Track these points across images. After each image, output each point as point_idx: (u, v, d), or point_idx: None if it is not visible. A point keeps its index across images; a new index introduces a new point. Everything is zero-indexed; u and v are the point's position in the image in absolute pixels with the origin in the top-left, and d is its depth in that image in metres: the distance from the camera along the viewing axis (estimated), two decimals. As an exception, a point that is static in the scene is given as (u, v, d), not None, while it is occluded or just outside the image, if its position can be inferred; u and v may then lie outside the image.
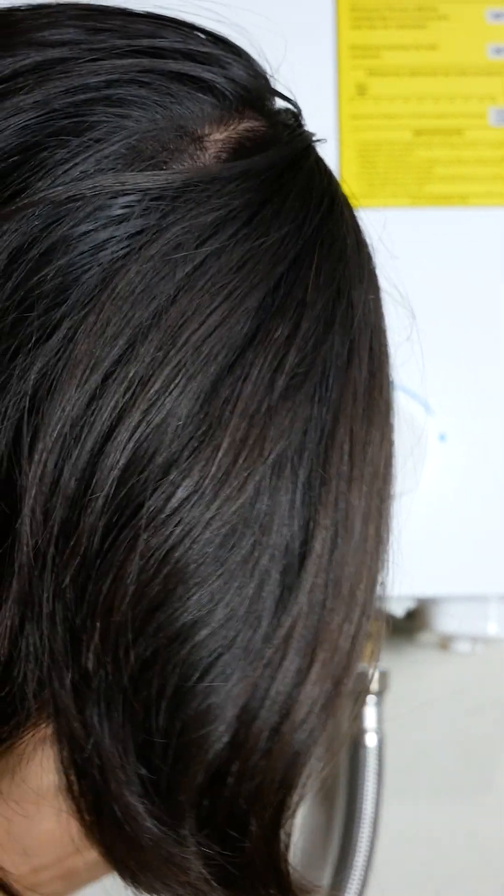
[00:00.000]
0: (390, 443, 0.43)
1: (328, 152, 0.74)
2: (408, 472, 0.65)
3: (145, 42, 0.41)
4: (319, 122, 0.74)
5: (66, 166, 0.37)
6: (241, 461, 0.37)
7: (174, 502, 0.36)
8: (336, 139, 0.74)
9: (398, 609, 0.77)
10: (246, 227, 0.38)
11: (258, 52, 0.44)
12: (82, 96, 0.38)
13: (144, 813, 0.38)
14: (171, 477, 0.36)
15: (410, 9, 0.75)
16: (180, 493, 0.36)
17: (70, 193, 0.36)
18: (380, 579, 0.43)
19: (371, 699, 0.81)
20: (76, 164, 0.37)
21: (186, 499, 0.36)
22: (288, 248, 0.39)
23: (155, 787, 0.38)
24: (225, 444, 0.37)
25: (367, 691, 0.79)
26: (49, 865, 0.47)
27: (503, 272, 0.74)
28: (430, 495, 0.71)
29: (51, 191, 0.36)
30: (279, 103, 0.45)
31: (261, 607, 0.38)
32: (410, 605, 0.77)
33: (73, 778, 0.38)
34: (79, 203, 0.36)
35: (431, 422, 0.71)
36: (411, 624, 0.79)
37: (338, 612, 0.40)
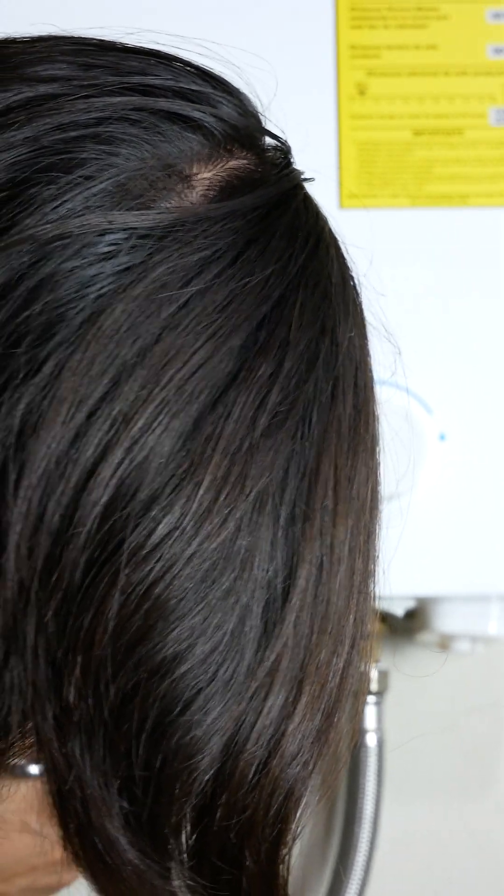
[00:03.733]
0: (376, 477, 0.44)
1: (328, 153, 0.74)
2: (407, 471, 0.65)
3: (136, 79, 0.41)
4: (319, 122, 0.74)
5: (55, 203, 0.38)
6: (222, 498, 0.37)
7: (155, 538, 0.37)
8: (336, 139, 0.74)
9: (398, 609, 0.77)
10: (231, 268, 0.39)
11: (251, 88, 0.45)
12: (72, 133, 0.39)
13: (126, 845, 0.39)
14: (153, 513, 0.37)
15: (410, 8, 0.75)
16: (161, 530, 0.37)
17: (58, 231, 0.37)
18: (368, 613, 0.43)
19: (371, 699, 0.81)
20: (65, 202, 0.38)
21: (167, 535, 0.37)
22: (272, 287, 0.40)
23: (137, 820, 0.39)
24: (206, 482, 0.37)
25: (367, 691, 0.79)
26: (22, 879, 0.48)
27: (503, 272, 0.74)
28: (429, 495, 0.71)
29: (39, 228, 0.37)
30: (270, 139, 0.46)
31: (243, 642, 0.38)
32: (410, 604, 0.77)
33: (56, 808, 0.39)
34: (67, 241, 0.37)
35: (431, 422, 0.71)
36: (411, 624, 0.79)
37: (325, 646, 0.40)
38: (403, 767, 0.84)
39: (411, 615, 0.79)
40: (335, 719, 0.42)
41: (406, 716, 0.84)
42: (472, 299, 0.73)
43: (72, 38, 0.43)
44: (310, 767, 0.41)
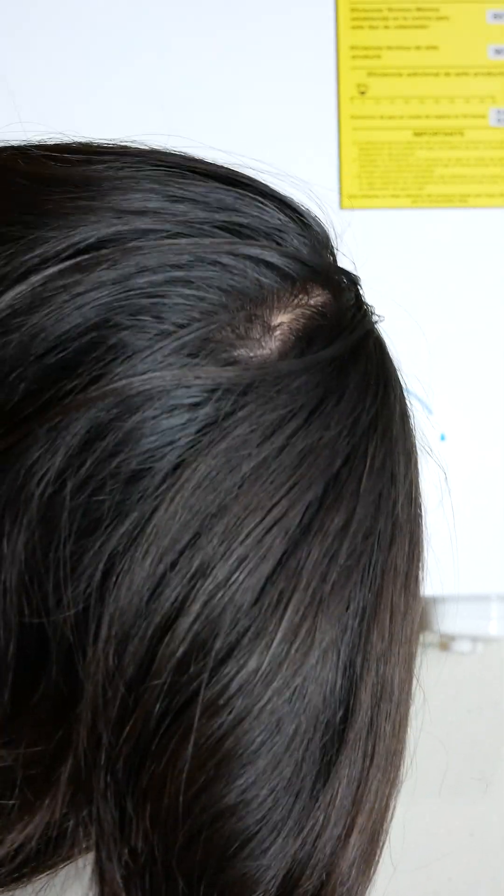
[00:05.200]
0: (420, 605, 0.45)
1: (329, 153, 0.74)
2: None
3: (224, 217, 0.41)
4: (320, 122, 0.74)
5: (144, 354, 0.38)
6: (293, 652, 0.38)
7: (229, 693, 0.37)
8: (336, 139, 0.74)
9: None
10: (307, 424, 0.40)
11: (318, 204, 0.45)
12: (162, 276, 0.39)
13: None
14: (227, 668, 0.37)
15: (411, 9, 0.75)
16: (235, 685, 0.37)
17: (149, 386, 0.37)
18: (408, 733, 0.44)
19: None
20: (154, 352, 0.38)
21: (240, 689, 0.37)
22: (345, 441, 0.40)
23: None
24: (279, 637, 0.38)
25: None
26: None
27: (503, 272, 0.74)
28: (429, 495, 0.71)
29: (130, 380, 0.37)
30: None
31: (301, 783, 0.39)
32: (410, 605, 0.77)
33: None
34: (155, 393, 0.37)
35: (432, 421, 0.71)
36: (411, 624, 0.79)
37: (374, 778, 0.41)
38: (402, 768, 0.84)
39: (411, 615, 0.79)
40: (381, 840, 0.43)
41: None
42: (472, 300, 0.73)
43: (154, 155, 0.43)
44: (358, 888, 0.42)
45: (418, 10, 0.75)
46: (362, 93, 0.75)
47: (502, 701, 0.87)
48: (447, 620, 0.76)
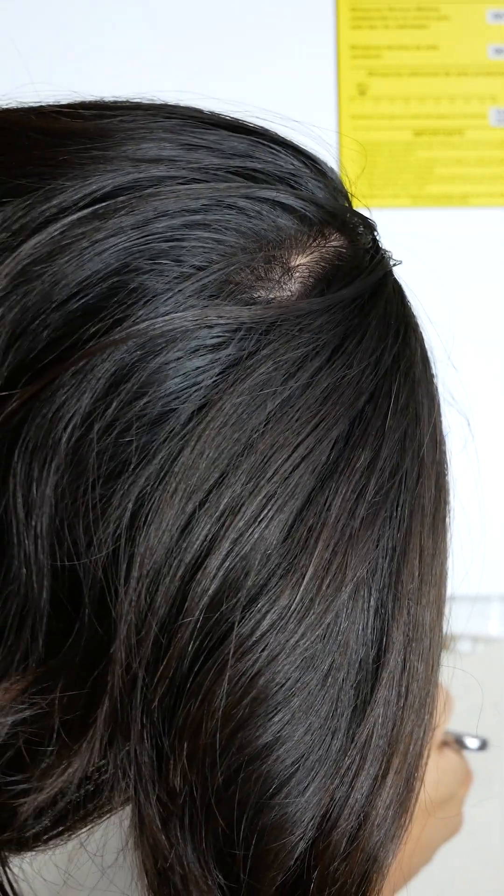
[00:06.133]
0: (447, 548, 0.45)
1: (329, 153, 0.74)
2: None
3: (239, 163, 0.42)
4: (320, 122, 0.74)
5: (167, 295, 0.38)
6: (324, 588, 0.38)
7: (261, 629, 0.37)
8: (336, 139, 0.74)
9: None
10: (330, 362, 0.40)
11: (335, 158, 0.46)
12: (180, 220, 0.39)
13: None
14: (259, 604, 0.37)
15: (411, 9, 0.75)
16: (267, 621, 0.37)
17: (171, 327, 0.37)
18: (438, 676, 0.45)
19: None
20: (175, 294, 0.38)
21: (272, 626, 0.38)
22: (368, 379, 0.41)
23: (235, 895, 0.40)
24: (310, 572, 0.38)
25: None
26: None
27: (503, 272, 0.74)
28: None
29: (152, 322, 0.37)
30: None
31: (337, 723, 0.39)
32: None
33: (154, 883, 0.40)
34: (178, 334, 0.38)
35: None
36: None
37: (409, 719, 0.42)
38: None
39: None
40: (416, 785, 0.43)
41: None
42: (473, 299, 0.73)
43: (166, 108, 0.43)
44: (392, 833, 0.42)
45: (418, 9, 0.75)
46: (362, 92, 0.75)
47: (502, 701, 0.87)
48: (448, 620, 0.76)
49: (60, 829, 0.42)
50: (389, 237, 0.74)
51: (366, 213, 0.46)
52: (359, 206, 0.47)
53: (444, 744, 0.68)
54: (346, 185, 0.46)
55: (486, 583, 0.73)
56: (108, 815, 0.42)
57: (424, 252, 0.74)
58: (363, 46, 0.75)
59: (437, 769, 0.64)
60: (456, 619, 0.77)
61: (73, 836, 0.42)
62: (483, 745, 0.76)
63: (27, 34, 0.73)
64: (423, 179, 0.74)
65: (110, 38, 0.74)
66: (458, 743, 0.74)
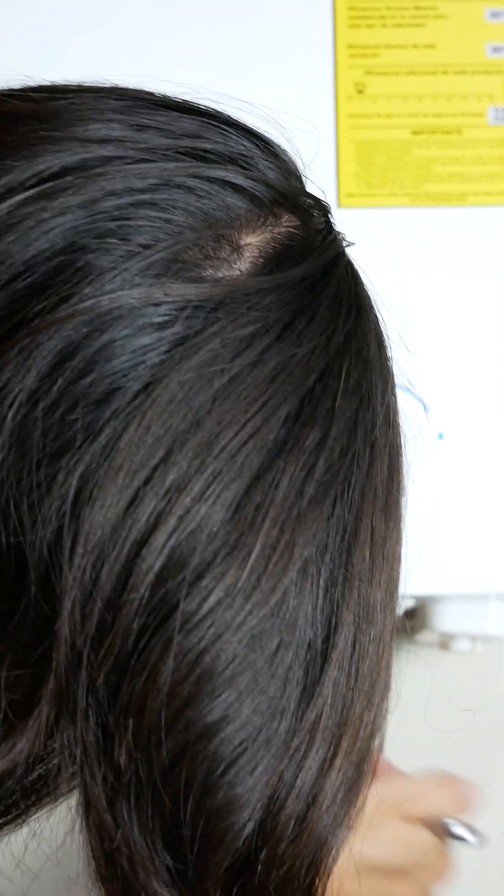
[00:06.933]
0: (401, 532, 0.45)
1: (326, 152, 0.74)
2: (406, 470, 0.66)
3: (189, 143, 0.42)
4: (318, 121, 0.74)
5: (113, 273, 0.38)
6: (271, 566, 0.38)
7: (207, 606, 0.37)
8: (334, 138, 0.74)
9: (398, 608, 0.77)
10: (279, 340, 0.40)
11: (292, 144, 0.45)
12: (128, 199, 0.39)
13: None
14: (205, 581, 0.37)
15: (409, 8, 0.75)
16: (213, 598, 0.37)
17: (117, 303, 0.37)
18: (393, 663, 0.45)
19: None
20: (121, 272, 0.38)
21: (219, 603, 0.37)
22: (318, 358, 0.41)
23: (182, 876, 0.40)
24: (256, 550, 0.38)
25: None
26: None
27: (502, 271, 0.74)
28: (428, 494, 0.71)
29: (98, 298, 0.37)
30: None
31: (285, 703, 0.39)
32: (410, 604, 0.77)
33: (101, 865, 0.40)
34: (124, 311, 0.37)
35: (430, 420, 0.71)
36: (411, 623, 0.79)
37: (359, 701, 0.42)
38: (402, 767, 0.84)
39: (411, 614, 0.79)
40: (365, 769, 0.43)
41: (406, 716, 0.84)
42: (470, 298, 0.73)
43: (117, 90, 0.43)
44: (341, 818, 0.42)
45: (416, 8, 0.75)
46: (360, 91, 0.75)
47: (502, 700, 0.87)
48: (447, 619, 0.76)
49: (13, 813, 0.42)
50: (387, 236, 0.74)
51: (319, 195, 0.46)
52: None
53: (423, 821, 0.66)
54: (301, 168, 0.45)
55: (485, 581, 0.73)
56: (61, 799, 0.42)
57: (422, 251, 0.74)
58: (361, 45, 0.75)
59: (393, 834, 0.63)
60: (455, 618, 0.77)
61: (25, 821, 0.42)
62: (473, 838, 0.71)
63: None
64: (421, 178, 0.74)
65: (110, 38, 0.74)
66: (445, 830, 0.71)
